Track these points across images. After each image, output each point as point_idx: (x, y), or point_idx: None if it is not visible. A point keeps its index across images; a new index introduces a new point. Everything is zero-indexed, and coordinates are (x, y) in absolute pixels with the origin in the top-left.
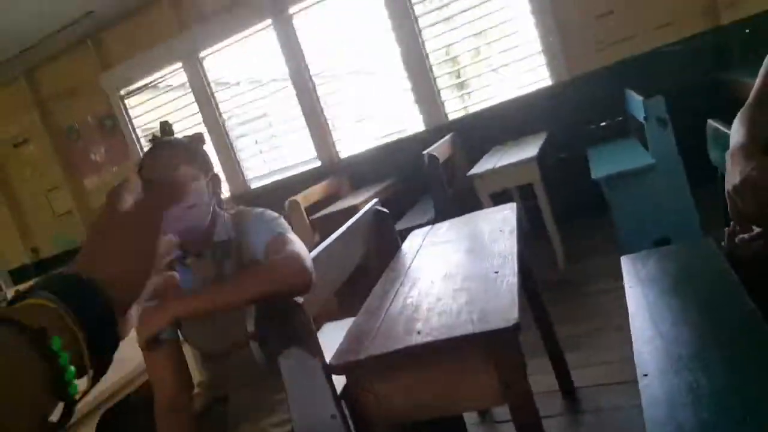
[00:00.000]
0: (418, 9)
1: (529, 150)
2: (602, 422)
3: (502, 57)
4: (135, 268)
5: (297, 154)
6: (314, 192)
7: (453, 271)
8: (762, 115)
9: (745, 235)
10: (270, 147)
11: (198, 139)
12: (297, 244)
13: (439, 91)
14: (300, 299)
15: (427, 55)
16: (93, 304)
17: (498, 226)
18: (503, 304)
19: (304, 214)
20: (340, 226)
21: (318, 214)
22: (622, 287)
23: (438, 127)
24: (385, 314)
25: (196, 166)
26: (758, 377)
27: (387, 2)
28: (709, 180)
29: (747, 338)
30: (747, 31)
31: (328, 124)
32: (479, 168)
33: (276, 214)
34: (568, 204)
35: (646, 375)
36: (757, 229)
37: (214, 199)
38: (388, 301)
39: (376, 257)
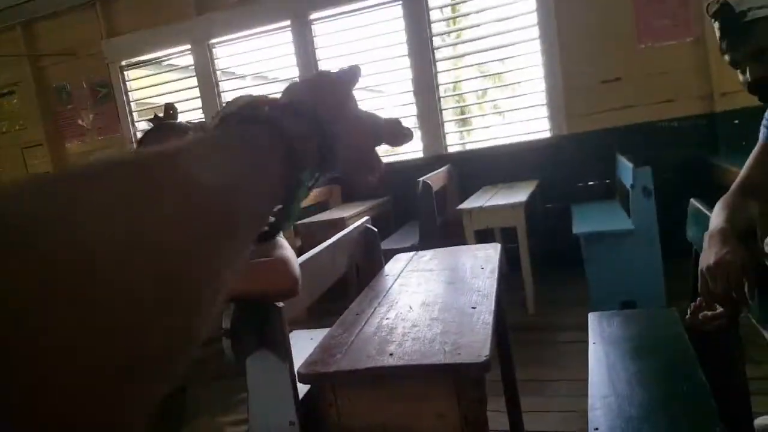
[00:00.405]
0: (436, 41)
1: (519, 195)
2: None
3: (509, 101)
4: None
5: None
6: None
7: (431, 300)
8: (742, 204)
9: (709, 313)
10: None
11: (203, 126)
12: (287, 249)
13: (443, 122)
14: (280, 303)
15: (437, 86)
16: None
17: (480, 263)
18: (476, 340)
19: None
20: (324, 235)
21: (304, 221)
22: (586, 341)
23: (436, 156)
24: (360, 331)
25: None
26: None
27: (408, 27)
28: (680, 253)
29: (694, 409)
30: (736, 122)
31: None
32: (469, 204)
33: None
34: (546, 252)
35: (596, 429)
36: (720, 309)
37: None
38: (364, 319)
39: (357, 274)
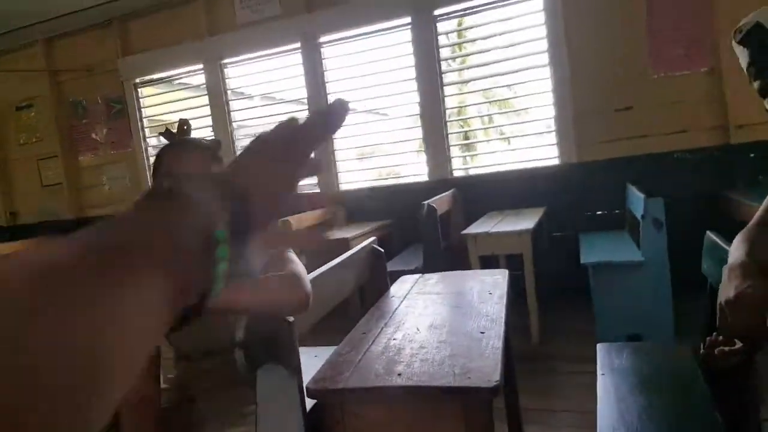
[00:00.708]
0: (444, 65)
1: (525, 222)
2: None
3: (516, 127)
4: (275, 190)
5: None
6: (309, 217)
7: (439, 323)
8: (763, 237)
9: (726, 348)
10: None
11: (218, 145)
12: (298, 264)
13: (449, 146)
14: (291, 318)
15: (444, 111)
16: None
17: (488, 288)
18: (486, 365)
19: None
20: (327, 255)
21: None
22: (592, 372)
23: (441, 180)
24: (367, 350)
25: (218, 170)
26: None
27: (416, 51)
28: (689, 287)
29: None
30: (752, 155)
31: (334, 154)
32: (474, 229)
33: None
34: (552, 280)
35: None
36: (739, 344)
37: None
38: (372, 338)
39: (362, 294)
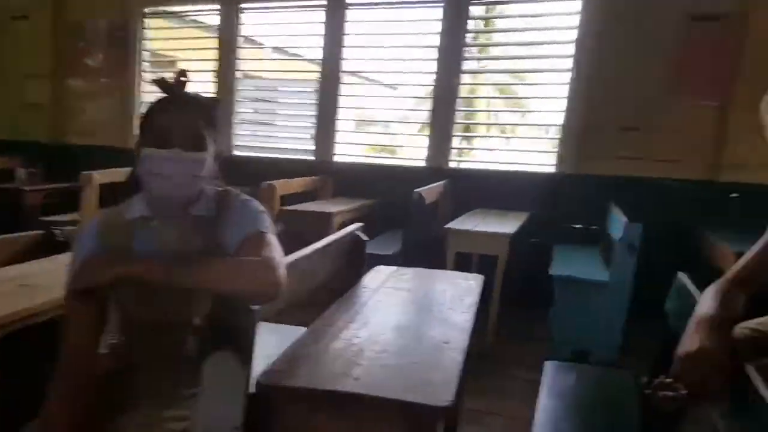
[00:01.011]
0: (466, 52)
1: (508, 225)
2: None
3: (520, 128)
4: None
5: (292, 139)
6: (295, 184)
7: (405, 325)
8: (736, 295)
9: (670, 393)
10: (268, 122)
11: (216, 104)
12: (276, 249)
13: (451, 135)
14: (256, 306)
15: (456, 98)
16: None
17: (461, 293)
18: (443, 380)
19: (277, 201)
20: (308, 226)
21: (289, 207)
22: (536, 380)
23: (437, 168)
24: (329, 346)
25: (211, 133)
26: None
27: (445, 30)
28: (646, 312)
29: None
30: (735, 195)
31: (336, 123)
32: (457, 225)
33: (262, 208)
34: (519, 286)
35: None
36: (683, 392)
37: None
38: (335, 333)
39: (337, 277)
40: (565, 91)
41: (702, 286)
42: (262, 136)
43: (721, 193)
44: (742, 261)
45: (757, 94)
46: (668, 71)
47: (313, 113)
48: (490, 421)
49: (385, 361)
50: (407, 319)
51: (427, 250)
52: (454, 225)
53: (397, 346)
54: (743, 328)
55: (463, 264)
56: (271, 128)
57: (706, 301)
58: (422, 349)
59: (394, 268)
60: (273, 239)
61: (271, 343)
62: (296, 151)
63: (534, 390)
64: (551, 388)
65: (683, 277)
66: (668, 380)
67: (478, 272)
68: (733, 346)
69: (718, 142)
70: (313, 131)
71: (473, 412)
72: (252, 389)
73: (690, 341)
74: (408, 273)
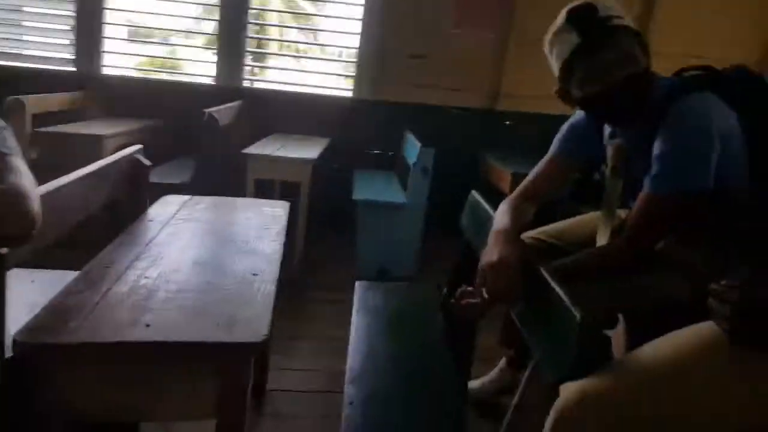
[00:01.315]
0: None
1: (309, 151)
2: (279, 428)
3: (313, 50)
4: None
5: (44, 44)
6: (52, 100)
7: (205, 259)
8: (525, 209)
9: (471, 300)
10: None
11: None
12: (24, 176)
13: (244, 51)
14: (4, 250)
15: (247, 9)
16: None
17: (266, 222)
18: (255, 314)
19: (29, 122)
20: (71, 152)
21: (46, 129)
22: (342, 302)
23: (229, 88)
24: (109, 291)
25: None
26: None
27: None
28: (442, 231)
29: (442, 387)
30: (507, 123)
31: (102, 27)
32: (257, 149)
33: (3, 124)
34: (324, 212)
35: (351, 403)
36: (481, 299)
37: None
38: (117, 275)
39: (113, 212)
40: (359, 12)
41: (488, 203)
42: (1, 39)
43: (499, 121)
44: (530, 177)
45: (531, 28)
46: (451, 1)
47: (72, 12)
48: (303, 346)
49: (182, 301)
50: (208, 252)
51: (223, 177)
52: (252, 150)
53: (197, 284)
54: (528, 237)
55: (263, 192)
56: (15, 29)
57: (501, 217)
58: (228, 283)
59: (187, 197)
60: (20, 164)
61: (33, 292)
62: (51, 60)
63: (343, 311)
64: (362, 306)
65: (476, 195)
66: (469, 289)
67: (281, 200)
68: (525, 253)
69: (497, 73)
70: (72, 36)
71: (284, 339)
72: (9, 352)
73: (490, 253)
74: (204, 202)
